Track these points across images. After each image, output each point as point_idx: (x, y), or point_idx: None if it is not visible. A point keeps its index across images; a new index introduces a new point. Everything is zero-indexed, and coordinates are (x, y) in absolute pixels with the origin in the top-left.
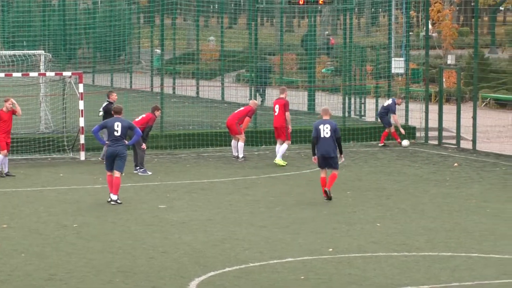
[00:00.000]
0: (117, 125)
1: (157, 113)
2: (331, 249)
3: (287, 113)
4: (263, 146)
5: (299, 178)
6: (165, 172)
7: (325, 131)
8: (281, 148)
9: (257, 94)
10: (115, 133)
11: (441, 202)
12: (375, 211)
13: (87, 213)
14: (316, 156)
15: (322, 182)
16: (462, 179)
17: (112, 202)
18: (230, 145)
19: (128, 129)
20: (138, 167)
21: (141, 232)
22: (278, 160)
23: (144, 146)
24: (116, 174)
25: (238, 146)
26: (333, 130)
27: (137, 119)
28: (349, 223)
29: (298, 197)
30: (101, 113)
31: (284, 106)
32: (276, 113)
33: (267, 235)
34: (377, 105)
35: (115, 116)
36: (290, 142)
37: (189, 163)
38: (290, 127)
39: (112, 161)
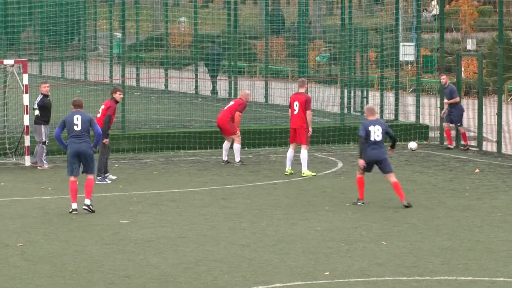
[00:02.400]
0: (77, 118)
1: (118, 95)
2: (327, 273)
3: (309, 112)
4: (245, 148)
5: (288, 187)
6: (128, 180)
7: (376, 133)
8: (302, 155)
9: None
10: (75, 128)
11: (460, 215)
12: (379, 226)
13: (34, 230)
14: (364, 160)
15: (359, 183)
16: (485, 188)
17: (85, 207)
18: (205, 148)
19: (89, 123)
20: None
21: (99, 252)
22: (306, 171)
23: (106, 140)
24: (90, 176)
25: (234, 148)
26: (385, 132)
27: (98, 115)
28: (349, 241)
29: (287, 210)
30: (36, 112)
31: (306, 103)
32: (295, 112)
33: (250, 255)
34: (382, 99)
35: (74, 109)
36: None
37: (156, 170)
38: (310, 129)
39: (78, 163)
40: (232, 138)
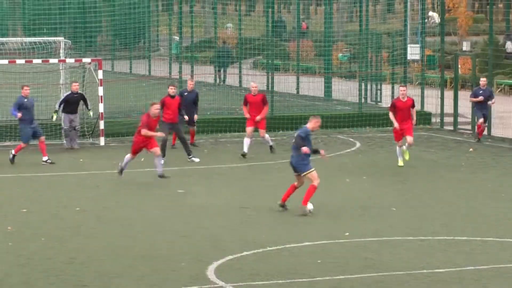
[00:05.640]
0: None
1: (169, 89)
2: (347, 234)
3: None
4: (280, 131)
5: (315, 164)
6: (183, 157)
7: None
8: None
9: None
10: None
11: (457, 187)
12: (391, 196)
13: (107, 198)
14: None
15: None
16: (478, 164)
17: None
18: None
19: None
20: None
21: (161, 216)
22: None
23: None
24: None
25: None
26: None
27: None
28: (365, 208)
29: None
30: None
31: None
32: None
33: (284, 219)
34: (393, 92)
35: None
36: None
37: (206, 148)
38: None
39: None
40: None
